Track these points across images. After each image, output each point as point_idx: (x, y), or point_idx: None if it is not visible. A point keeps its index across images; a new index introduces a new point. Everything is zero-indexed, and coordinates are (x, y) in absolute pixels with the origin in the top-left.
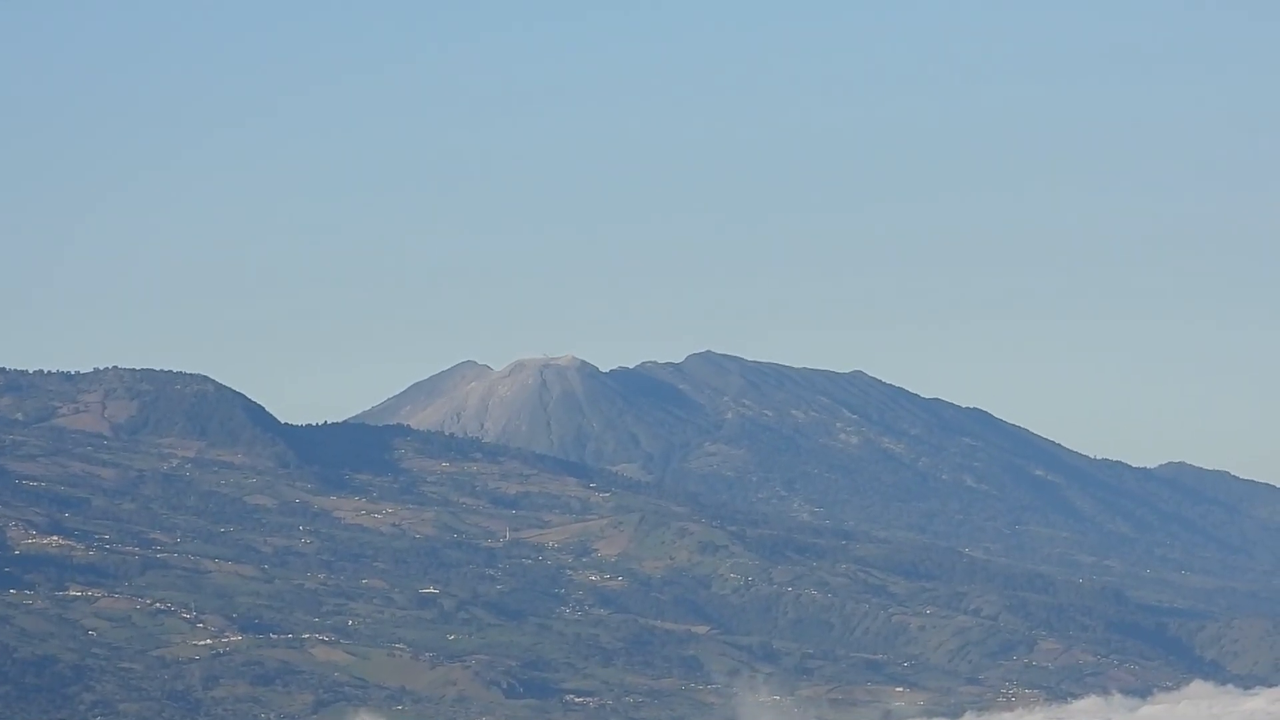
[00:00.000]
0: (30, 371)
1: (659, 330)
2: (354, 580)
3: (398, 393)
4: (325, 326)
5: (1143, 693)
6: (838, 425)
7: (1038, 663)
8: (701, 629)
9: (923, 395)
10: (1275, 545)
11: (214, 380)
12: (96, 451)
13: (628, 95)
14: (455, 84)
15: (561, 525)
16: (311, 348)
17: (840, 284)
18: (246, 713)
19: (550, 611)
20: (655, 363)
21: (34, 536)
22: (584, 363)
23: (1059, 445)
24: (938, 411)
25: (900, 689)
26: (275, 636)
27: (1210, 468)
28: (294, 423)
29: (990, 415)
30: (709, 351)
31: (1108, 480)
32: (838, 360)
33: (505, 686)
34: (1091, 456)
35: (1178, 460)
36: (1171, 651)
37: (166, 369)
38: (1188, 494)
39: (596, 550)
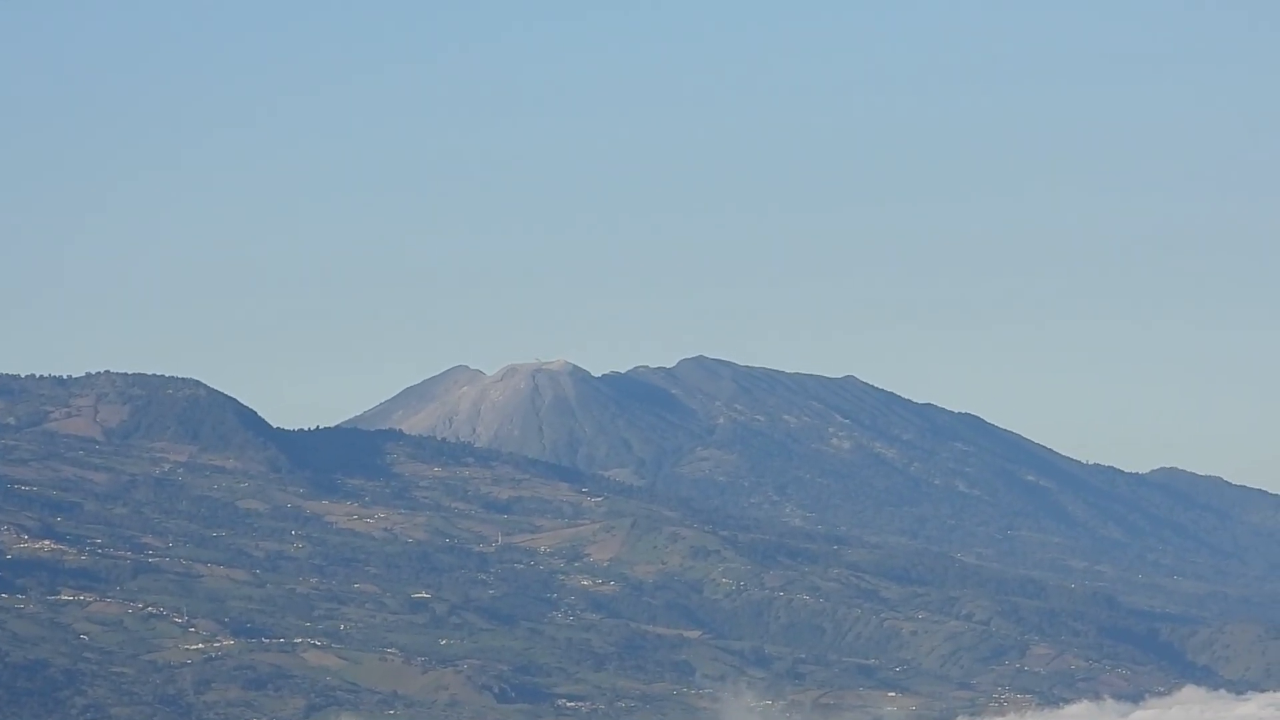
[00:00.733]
0: (22, 376)
1: (651, 335)
2: (346, 584)
3: (390, 397)
4: (317, 331)
5: (1135, 698)
6: (830, 430)
7: (1030, 668)
8: (693, 634)
9: (915, 400)
10: (1267, 551)
11: (206, 385)
12: (88, 456)
13: (620, 100)
14: (447, 89)
15: (553, 530)
16: (303, 352)
17: (832, 289)
18: (238, 717)
19: (542, 616)
20: (647, 367)
21: (26, 540)
22: (576, 367)
23: (1051, 450)
24: (930, 416)
25: (892, 694)
26: (267, 641)
27: (1203, 473)
28: (286, 427)
29: (982, 420)
30: (701, 356)
31: (1100, 485)
32: (830, 365)
33: (497, 691)
34: (1084, 462)
35: (1170, 466)
36: (1164, 657)
37: (158, 373)
38: (1180, 499)
39: (588, 555)
